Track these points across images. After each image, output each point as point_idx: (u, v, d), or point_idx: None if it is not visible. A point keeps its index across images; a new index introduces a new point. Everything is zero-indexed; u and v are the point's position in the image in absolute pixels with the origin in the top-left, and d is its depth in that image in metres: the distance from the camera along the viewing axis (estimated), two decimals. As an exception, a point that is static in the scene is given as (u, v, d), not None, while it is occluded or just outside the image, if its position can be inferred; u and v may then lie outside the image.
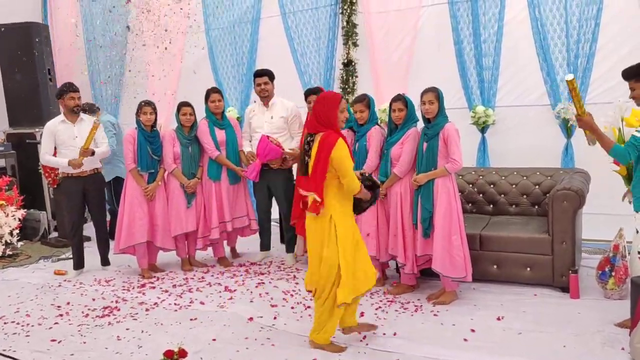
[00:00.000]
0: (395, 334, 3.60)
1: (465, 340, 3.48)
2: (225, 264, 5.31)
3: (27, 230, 6.45)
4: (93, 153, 4.96)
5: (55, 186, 6.37)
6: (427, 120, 4.08)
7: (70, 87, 5.02)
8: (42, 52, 6.85)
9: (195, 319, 3.98)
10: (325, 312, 3.34)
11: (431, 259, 4.15)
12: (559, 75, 5.24)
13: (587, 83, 5.13)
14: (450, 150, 3.94)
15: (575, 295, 4.08)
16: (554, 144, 5.39)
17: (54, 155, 5.04)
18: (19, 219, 4.06)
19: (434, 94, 3.99)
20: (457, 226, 3.97)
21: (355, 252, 3.35)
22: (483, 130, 5.63)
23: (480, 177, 5.03)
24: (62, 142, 4.96)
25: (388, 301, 4.21)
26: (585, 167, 4.86)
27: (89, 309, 4.26)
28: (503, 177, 4.95)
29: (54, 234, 6.74)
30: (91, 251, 5.44)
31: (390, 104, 4.24)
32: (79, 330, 3.86)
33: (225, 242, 5.44)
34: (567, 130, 5.27)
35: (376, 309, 4.06)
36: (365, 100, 4.39)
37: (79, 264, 5.22)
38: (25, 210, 4.49)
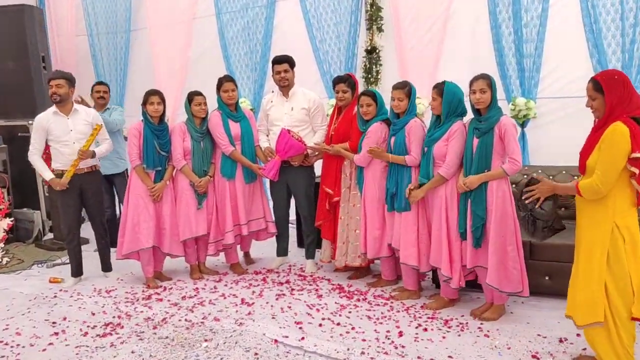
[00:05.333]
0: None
1: (526, 368, 2.99)
2: (239, 271, 4.80)
3: (19, 232, 5.92)
4: (94, 155, 4.48)
5: (48, 184, 5.84)
6: (477, 113, 3.56)
7: (51, 74, 4.52)
8: (36, 38, 6.28)
9: (211, 339, 3.46)
10: None
11: (474, 271, 3.67)
12: (611, 63, 4.71)
13: (645, 71, 4.60)
14: (508, 149, 3.42)
15: (641, 312, 3.58)
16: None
17: (47, 151, 4.51)
18: (5, 230, 3.47)
19: (487, 82, 3.46)
20: (513, 235, 3.46)
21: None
22: (523, 124, 5.11)
23: (525, 176, 4.51)
24: (55, 137, 4.42)
25: (428, 317, 3.72)
26: (638, 165, 4.35)
27: (88, 326, 3.73)
28: (550, 177, 4.44)
29: (49, 235, 6.20)
30: (89, 255, 4.93)
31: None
32: (77, 353, 3.32)
33: (238, 246, 4.92)
34: (619, 125, 4.73)
35: (416, 327, 3.55)
36: (407, 88, 3.89)
37: (77, 271, 4.68)
38: (12, 220, 3.87)
